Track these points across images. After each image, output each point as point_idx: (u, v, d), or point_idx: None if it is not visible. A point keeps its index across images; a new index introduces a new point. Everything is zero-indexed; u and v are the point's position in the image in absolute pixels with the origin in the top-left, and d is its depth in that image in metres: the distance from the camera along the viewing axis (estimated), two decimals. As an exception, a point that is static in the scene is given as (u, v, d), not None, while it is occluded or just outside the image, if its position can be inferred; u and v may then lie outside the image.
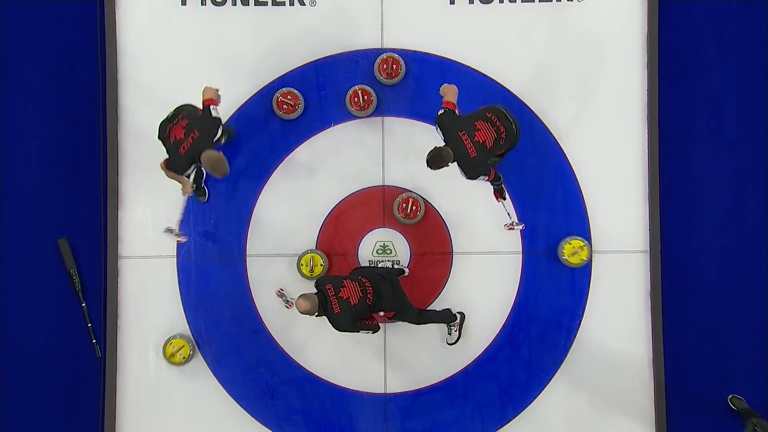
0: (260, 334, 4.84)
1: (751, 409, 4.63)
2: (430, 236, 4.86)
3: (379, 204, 4.87)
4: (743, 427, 4.37)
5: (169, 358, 4.74)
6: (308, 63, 4.84)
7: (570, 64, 4.85)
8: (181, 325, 4.82)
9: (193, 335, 4.84)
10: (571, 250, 4.74)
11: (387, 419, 4.84)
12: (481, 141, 3.93)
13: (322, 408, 4.83)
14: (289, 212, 4.86)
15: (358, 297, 3.97)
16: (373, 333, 4.17)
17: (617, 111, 4.85)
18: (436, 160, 3.88)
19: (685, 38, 4.88)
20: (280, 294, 4.72)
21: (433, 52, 4.84)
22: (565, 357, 4.82)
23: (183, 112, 4.05)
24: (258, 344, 4.84)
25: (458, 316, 4.73)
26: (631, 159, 4.85)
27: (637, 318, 4.81)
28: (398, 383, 4.84)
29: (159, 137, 4.07)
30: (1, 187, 4.87)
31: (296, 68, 4.84)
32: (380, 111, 4.84)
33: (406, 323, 4.58)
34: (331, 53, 4.84)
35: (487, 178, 4.06)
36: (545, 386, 4.82)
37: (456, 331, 4.72)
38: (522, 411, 4.82)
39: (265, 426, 4.83)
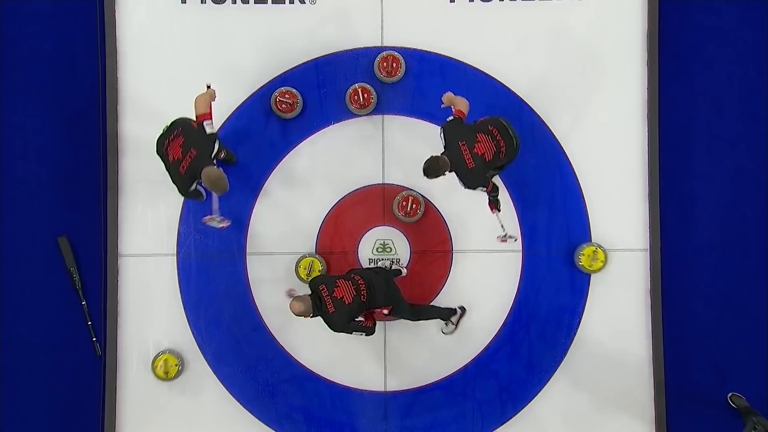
0: (260, 333, 4.84)
1: (750, 407, 4.64)
2: (430, 234, 4.86)
3: (379, 202, 4.87)
4: (743, 425, 4.38)
5: (156, 369, 4.76)
6: (308, 61, 4.84)
7: (570, 63, 4.85)
8: (181, 323, 4.82)
9: (192, 333, 4.83)
10: (588, 259, 4.75)
11: (387, 417, 4.84)
12: (480, 153, 3.95)
13: (322, 406, 4.84)
14: (289, 210, 4.86)
15: (352, 295, 3.97)
16: (366, 335, 4.15)
17: (617, 109, 4.86)
18: (433, 169, 3.91)
19: (685, 36, 4.88)
20: (291, 294, 4.71)
21: (433, 50, 4.84)
22: (564, 355, 4.82)
23: (178, 127, 4.00)
24: (258, 342, 4.84)
25: (459, 310, 4.74)
26: (631, 157, 4.85)
27: (636, 316, 4.81)
28: (398, 381, 4.84)
29: (157, 153, 4.06)
30: (1, 185, 4.87)
31: (296, 66, 4.84)
32: (380, 109, 4.84)
33: (407, 321, 4.58)
34: (331, 51, 4.84)
35: (485, 189, 4.10)
36: (545, 384, 4.82)
37: (454, 324, 4.73)
38: (522, 409, 4.83)
39: (265, 424, 4.83)
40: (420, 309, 4.60)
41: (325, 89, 4.84)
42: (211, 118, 3.98)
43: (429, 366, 4.83)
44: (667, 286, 4.80)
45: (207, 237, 4.85)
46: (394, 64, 4.78)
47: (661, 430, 4.78)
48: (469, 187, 4.04)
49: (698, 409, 4.81)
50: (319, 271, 4.77)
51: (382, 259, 4.84)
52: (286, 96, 4.78)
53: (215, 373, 4.83)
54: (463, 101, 4.10)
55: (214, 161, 3.98)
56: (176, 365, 4.76)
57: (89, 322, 4.83)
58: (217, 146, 3.96)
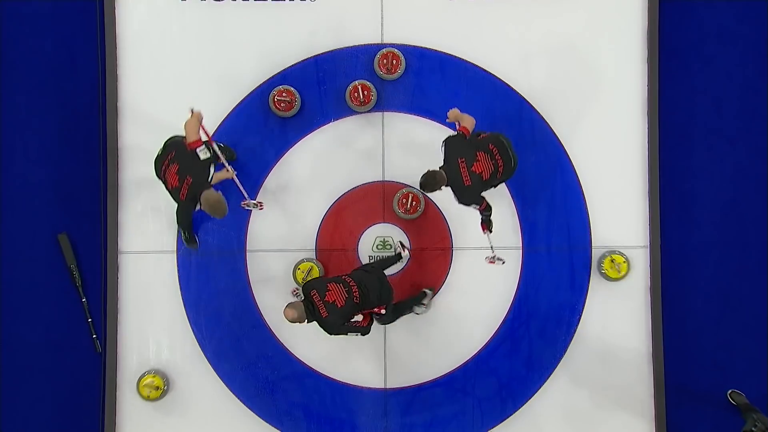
0: (260, 330, 4.84)
1: (750, 404, 4.64)
2: (430, 231, 4.86)
3: (379, 199, 4.87)
4: (743, 422, 4.38)
5: (142, 391, 4.75)
6: (308, 58, 4.84)
7: (570, 60, 4.85)
8: (181, 320, 4.82)
9: (192, 331, 4.84)
10: (610, 265, 4.76)
11: (387, 414, 4.84)
12: (477, 172, 3.98)
13: (322, 403, 4.84)
14: (289, 208, 4.86)
15: (344, 298, 3.96)
16: (362, 335, 4.14)
17: (617, 106, 4.86)
18: (429, 183, 3.93)
19: (685, 34, 4.89)
20: (297, 294, 4.72)
21: (433, 48, 4.84)
22: (564, 352, 4.83)
23: (171, 151, 4.04)
24: (258, 339, 4.84)
25: (428, 292, 4.75)
26: (631, 154, 4.85)
27: (636, 313, 4.82)
28: (398, 378, 4.84)
29: (157, 176, 4.13)
30: (1, 183, 4.87)
31: (296, 63, 4.84)
32: (380, 106, 4.84)
33: (407, 318, 4.59)
34: (331, 48, 4.84)
35: (478, 207, 4.12)
36: (545, 381, 4.83)
37: (426, 304, 4.73)
38: (522, 406, 4.83)
39: (265, 421, 4.84)
40: (397, 307, 4.53)
41: (325, 86, 4.84)
42: (202, 144, 4.02)
43: (429, 363, 4.84)
44: (667, 284, 4.80)
45: (207, 234, 4.85)
46: (394, 61, 4.78)
47: (660, 427, 4.79)
48: (463, 203, 4.10)
49: (698, 406, 4.81)
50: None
51: (382, 256, 4.84)
52: (284, 94, 4.78)
53: (215, 370, 4.83)
54: (469, 118, 4.12)
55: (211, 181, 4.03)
56: (162, 383, 4.76)
57: (89, 319, 4.84)
58: (212, 170, 4.02)
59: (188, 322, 4.84)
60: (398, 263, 4.75)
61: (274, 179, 4.86)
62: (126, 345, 4.84)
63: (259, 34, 4.85)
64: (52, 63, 4.89)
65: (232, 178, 4.32)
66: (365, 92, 4.78)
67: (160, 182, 4.15)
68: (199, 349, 4.83)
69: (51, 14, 4.89)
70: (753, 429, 4.21)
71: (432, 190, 3.98)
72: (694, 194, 4.88)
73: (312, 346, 4.83)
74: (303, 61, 4.85)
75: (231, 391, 4.84)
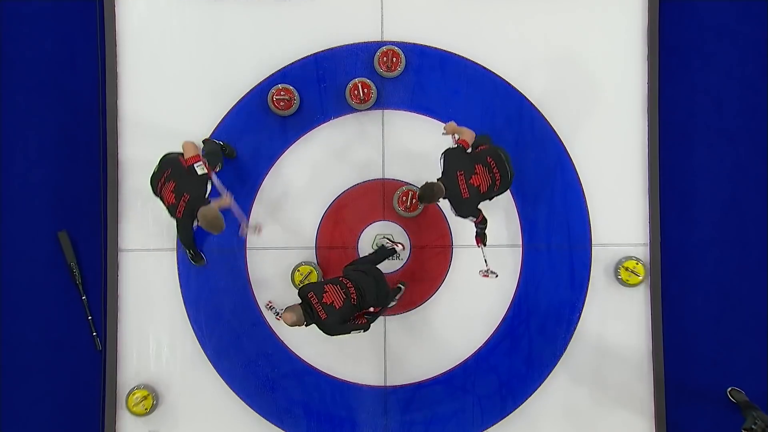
0: (260, 327, 4.84)
1: (750, 401, 4.64)
2: (430, 229, 4.86)
3: (379, 197, 4.87)
4: (743, 419, 4.37)
5: (132, 407, 4.74)
6: (308, 56, 4.84)
7: (570, 57, 4.85)
8: (181, 318, 4.83)
9: (192, 328, 4.84)
10: (627, 273, 4.76)
11: (387, 412, 4.85)
12: (475, 185, 4.01)
13: (322, 401, 4.84)
14: (289, 205, 4.86)
15: (342, 299, 3.96)
16: (364, 332, 4.14)
17: (617, 104, 4.86)
18: (427, 195, 3.95)
19: (685, 32, 4.88)
20: (270, 307, 4.73)
21: (434, 45, 4.84)
22: (564, 350, 4.83)
23: (167, 168, 4.02)
24: (258, 337, 4.84)
25: (402, 287, 4.75)
26: (631, 152, 4.85)
27: (636, 310, 4.82)
28: (398, 376, 4.85)
29: (154, 194, 4.10)
30: (1, 181, 4.87)
31: (296, 61, 4.83)
32: (380, 104, 4.84)
33: (407, 315, 4.58)
34: (331, 46, 4.84)
35: (475, 219, 4.14)
36: (545, 379, 4.83)
37: (397, 299, 4.73)
38: (522, 404, 4.84)
39: (265, 419, 4.84)
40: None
41: (324, 84, 4.84)
42: (200, 160, 4.00)
43: (429, 360, 4.84)
44: (666, 282, 4.80)
45: (207, 232, 4.82)
46: (394, 59, 4.78)
47: (660, 425, 4.80)
48: (460, 216, 4.12)
49: (698, 404, 4.82)
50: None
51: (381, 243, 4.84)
52: (282, 93, 4.77)
53: (215, 368, 4.84)
54: (468, 131, 4.13)
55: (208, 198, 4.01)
56: (150, 398, 4.76)
57: (89, 317, 4.84)
58: (209, 186, 4.00)
59: (188, 320, 4.84)
60: (395, 259, 4.75)
61: (274, 177, 4.85)
62: (126, 343, 4.84)
63: (259, 32, 4.85)
64: (51, 61, 4.89)
65: (230, 205, 4.21)
66: (365, 90, 4.78)
67: (159, 178, 4.13)
68: (199, 346, 4.84)
69: (51, 13, 4.89)
70: (753, 426, 4.21)
71: (430, 202, 4.02)
72: (694, 192, 4.88)
73: (312, 343, 4.83)
74: (303, 58, 4.84)
75: (231, 388, 4.84)
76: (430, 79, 4.84)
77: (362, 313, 4.15)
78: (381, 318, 4.73)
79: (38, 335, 4.85)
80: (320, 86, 4.85)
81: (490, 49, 4.85)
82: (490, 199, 4.20)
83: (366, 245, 4.86)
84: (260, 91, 4.83)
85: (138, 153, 4.84)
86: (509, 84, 4.85)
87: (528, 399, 4.84)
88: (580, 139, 4.85)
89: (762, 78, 4.87)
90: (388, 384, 4.85)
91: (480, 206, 4.12)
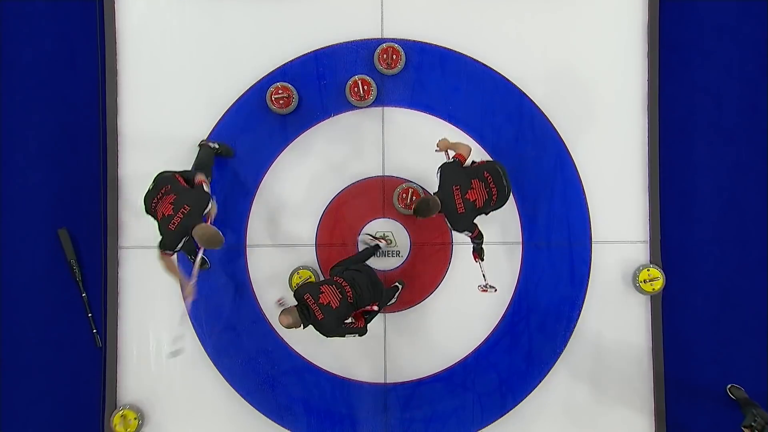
0: (260, 325, 4.84)
1: (749, 398, 4.65)
2: (430, 227, 4.85)
3: (378, 194, 4.87)
4: (742, 416, 4.37)
5: (115, 428, 4.74)
6: (308, 53, 4.84)
7: (570, 54, 4.85)
8: (181, 315, 4.81)
9: (193, 325, 4.84)
10: (647, 276, 4.76)
11: (387, 409, 4.85)
12: (471, 200, 4.00)
13: (322, 398, 4.84)
14: (289, 202, 4.86)
15: (338, 299, 3.96)
16: (359, 336, 4.14)
17: (617, 101, 4.86)
18: (422, 210, 3.94)
19: (685, 29, 4.88)
20: (281, 303, 4.71)
21: (434, 42, 4.83)
22: (564, 347, 4.83)
23: (166, 184, 4.01)
24: (258, 334, 4.84)
25: (400, 286, 4.76)
26: (631, 149, 4.85)
27: (636, 307, 4.82)
28: (398, 373, 4.85)
29: (147, 212, 4.06)
30: (1, 178, 4.87)
31: (296, 58, 4.83)
32: (380, 101, 4.84)
33: (407, 312, 4.58)
34: (331, 43, 4.84)
35: (470, 234, 4.13)
36: (545, 376, 4.83)
37: (395, 297, 4.74)
38: (522, 401, 4.84)
39: (265, 416, 4.84)
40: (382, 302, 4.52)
41: (324, 81, 4.84)
42: (205, 181, 4.04)
43: (429, 358, 4.84)
44: (666, 279, 4.79)
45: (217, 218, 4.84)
46: (394, 56, 4.78)
47: (660, 422, 4.80)
48: (456, 230, 4.12)
49: (698, 401, 4.82)
50: None
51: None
52: (281, 91, 4.77)
53: (215, 364, 4.84)
54: (464, 146, 4.13)
55: (205, 216, 3.99)
56: (135, 419, 4.75)
57: (89, 314, 4.84)
58: (210, 205, 3.99)
59: (188, 317, 4.82)
60: (379, 255, 4.77)
61: (274, 175, 4.85)
62: (126, 340, 4.84)
63: (259, 30, 4.85)
64: (51, 59, 4.89)
65: (188, 296, 4.20)
66: (365, 87, 4.78)
67: (154, 196, 4.08)
68: (200, 344, 4.84)
69: (50, 12, 4.89)
70: (753, 423, 4.21)
71: (425, 216, 3.99)
72: (694, 190, 4.88)
73: (312, 341, 4.77)
74: (303, 56, 4.84)
75: (231, 385, 4.84)
76: (430, 76, 4.83)
77: (361, 312, 4.15)
78: (381, 315, 4.75)
79: (38, 332, 4.85)
80: (320, 83, 4.85)
81: (491, 46, 4.85)
82: (486, 214, 4.21)
83: (366, 243, 4.86)
84: (260, 89, 4.83)
85: (138, 151, 4.84)
86: (509, 81, 4.85)
87: (528, 396, 4.84)
88: (580, 136, 4.85)
89: (762, 75, 4.87)
90: (388, 381, 4.85)
91: (476, 221, 4.11)
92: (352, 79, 4.78)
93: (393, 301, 4.72)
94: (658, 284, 4.74)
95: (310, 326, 3.97)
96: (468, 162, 4.14)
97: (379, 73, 4.82)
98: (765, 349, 4.82)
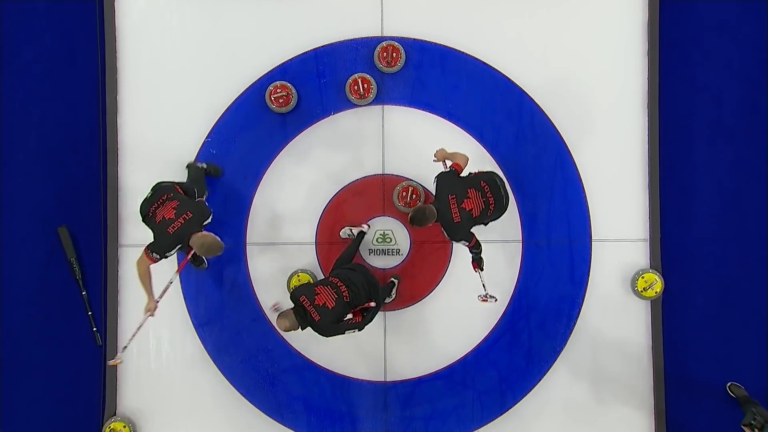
0: (260, 323, 4.84)
1: (749, 396, 4.65)
2: (431, 225, 4.84)
3: (379, 192, 4.87)
4: (742, 414, 4.37)
5: None
6: (308, 51, 4.84)
7: (570, 53, 4.85)
8: (181, 314, 4.84)
9: (193, 323, 4.84)
10: (644, 284, 4.76)
11: (387, 407, 4.85)
12: (467, 209, 4.00)
13: (322, 396, 4.85)
14: (289, 201, 4.87)
15: (334, 299, 3.96)
16: (359, 331, 4.15)
17: (617, 99, 4.86)
18: (419, 219, 3.95)
19: (685, 27, 4.88)
20: (277, 309, 4.71)
21: (434, 41, 4.83)
22: (564, 345, 4.83)
23: (168, 192, 4.03)
24: (258, 332, 4.85)
25: (395, 281, 4.76)
26: (631, 147, 4.85)
27: (636, 305, 4.82)
28: (398, 371, 4.85)
29: (143, 219, 4.06)
30: (1, 176, 4.87)
31: (296, 56, 4.83)
32: (380, 99, 4.84)
33: (408, 310, 4.58)
34: (331, 41, 4.83)
35: (467, 243, 4.13)
36: (545, 374, 4.84)
37: (394, 293, 4.75)
38: (522, 399, 4.84)
39: (265, 414, 4.85)
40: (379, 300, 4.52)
41: (324, 79, 4.84)
42: (204, 187, 4.18)
43: (429, 356, 4.85)
44: (666, 277, 4.80)
45: (207, 228, 4.82)
46: (394, 54, 4.77)
47: (660, 419, 4.81)
48: (452, 239, 4.12)
49: (697, 399, 4.82)
50: None
51: (383, 249, 4.86)
52: (279, 90, 4.77)
53: (215, 362, 4.84)
54: (461, 155, 4.13)
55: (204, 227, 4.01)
56: (124, 427, 4.76)
57: (90, 312, 4.84)
58: (210, 219, 4.01)
59: (188, 315, 4.84)
60: (364, 235, 4.78)
61: (274, 172, 4.85)
62: (126, 338, 4.77)
63: (259, 28, 4.85)
64: (51, 57, 4.89)
65: (149, 311, 4.18)
66: (365, 85, 4.78)
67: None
68: (200, 341, 4.84)
69: (50, 10, 4.88)
70: (752, 422, 4.21)
71: (421, 226, 4.00)
72: (694, 188, 4.88)
73: (312, 339, 4.76)
74: (303, 54, 4.84)
75: (231, 383, 4.85)
76: (431, 74, 4.83)
77: (359, 310, 4.15)
78: (381, 313, 4.76)
79: (38, 331, 4.85)
80: (320, 82, 4.85)
81: (491, 44, 4.85)
82: (485, 224, 4.21)
83: (366, 240, 4.85)
84: (260, 87, 4.83)
85: (138, 149, 4.84)
86: (509, 79, 4.85)
87: (528, 394, 4.85)
88: (581, 134, 4.85)
89: (762, 74, 4.87)
90: (388, 379, 4.86)
91: (474, 230, 4.11)
92: (352, 77, 4.77)
93: (393, 296, 4.72)
94: (658, 286, 4.75)
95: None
96: (466, 172, 4.14)
97: (379, 72, 4.82)
98: (765, 347, 4.82)
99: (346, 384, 4.85)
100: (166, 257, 3.99)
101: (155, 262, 3.98)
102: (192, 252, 4.04)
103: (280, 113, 4.82)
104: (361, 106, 4.83)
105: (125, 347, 4.31)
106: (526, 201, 4.84)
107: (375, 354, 4.85)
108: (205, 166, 4.65)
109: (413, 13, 4.83)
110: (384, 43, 4.78)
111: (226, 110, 4.84)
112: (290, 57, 4.85)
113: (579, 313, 4.83)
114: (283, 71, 4.83)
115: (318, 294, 3.96)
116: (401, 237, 4.86)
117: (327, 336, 4.03)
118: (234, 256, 4.85)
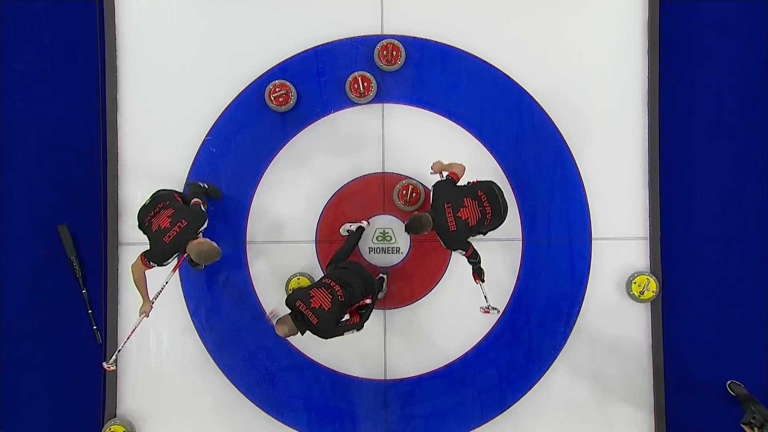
0: (260, 321, 4.84)
1: (749, 394, 4.65)
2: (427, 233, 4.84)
3: (379, 191, 4.87)
4: (742, 412, 4.37)
5: None
6: (308, 49, 4.84)
7: (570, 51, 4.85)
8: (181, 312, 4.84)
9: (193, 322, 4.84)
10: (638, 289, 4.77)
11: (387, 405, 4.85)
12: (463, 218, 3.98)
13: (322, 394, 4.85)
14: (289, 199, 4.87)
15: (329, 300, 3.96)
16: (357, 331, 4.14)
17: (617, 98, 4.86)
18: (414, 227, 3.94)
19: (685, 26, 4.88)
20: (274, 316, 4.71)
21: (434, 39, 4.84)
22: (564, 343, 4.83)
23: (164, 200, 4.02)
24: (258, 331, 4.85)
25: (384, 277, 4.76)
26: (631, 146, 4.85)
27: (636, 304, 4.82)
28: (398, 369, 4.85)
29: (139, 227, 4.05)
30: (1, 174, 4.87)
31: (296, 54, 4.84)
32: (380, 98, 4.84)
33: (407, 309, 4.58)
34: (331, 40, 4.84)
35: (464, 253, 4.11)
36: (545, 372, 4.83)
37: (385, 287, 4.75)
38: (522, 397, 4.84)
39: (265, 412, 4.85)
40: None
41: (324, 77, 4.84)
42: (200, 203, 4.09)
43: (429, 354, 4.84)
44: (666, 275, 4.80)
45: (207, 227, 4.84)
46: (394, 53, 4.78)
47: (660, 418, 4.81)
48: (449, 248, 4.11)
49: (697, 397, 4.82)
50: None
51: (382, 248, 4.86)
52: (279, 89, 4.77)
53: (215, 361, 4.84)
54: (458, 165, 4.12)
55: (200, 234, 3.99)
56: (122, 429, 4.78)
57: (90, 311, 4.84)
58: (205, 225, 3.99)
59: (188, 314, 4.84)
60: (365, 230, 4.77)
61: (274, 170, 4.85)
62: (126, 337, 4.82)
63: (259, 26, 4.85)
64: (51, 55, 4.89)
65: (143, 313, 4.18)
66: (365, 84, 4.78)
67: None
68: (200, 340, 4.84)
69: (50, 8, 4.88)
70: (752, 420, 4.21)
71: (416, 233, 3.99)
72: (694, 186, 4.88)
73: (312, 337, 4.79)
74: (303, 52, 4.85)
75: (231, 382, 4.85)
76: (431, 72, 4.84)
77: (355, 309, 4.15)
78: (381, 311, 4.76)
79: (38, 329, 4.85)
80: (320, 80, 4.85)
81: (491, 42, 4.85)
82: (484, 234, 4.19)
83: (366, 239, 4.86)
84: (260, 85, 4.83)
85: (138, 147, 4.85)
86: (509, 78, 4.85)
87: (528, 393, 4.84)
88: (581, 133, 4.85)
89: (762, 73, 4.87)
90: (388, 377, 4.85)
91: (474, 242, 4.10)
92: (352, 75, 4.78)
93: (383, 292, 4.71)
94: (652, 286, 4.75)
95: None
96: (464, 181, 4.14)
97: (379, 70, 4.82)
98: (765, 345, 4.82)
99: (346, 382, 4.85)
100: (164, 266, 3.98)
101: (151, 268, 3.97)
102: (187, 253, 4.03)
103: (279, 112, 4.82)
104: (361, 104, 4.84)
105: (119, 350, 4.29)
106: (526, 199, 4.84)
107: (375, 352, 4.85)
108: (206, 186, 4.62)
109: (413, 12, 4.84)
110: (384, 42, 4.78)
111: (225, 109, 4.84)
112: (290, 55, 4.85)
113: (579, 312, 4.83)
114: (282, 70, 4.84)
115: (313, 297, 3.95)
116: (401, 235, 4.86)
117: (327, 337, 4.04)
118: (234, 253, 4.85)
